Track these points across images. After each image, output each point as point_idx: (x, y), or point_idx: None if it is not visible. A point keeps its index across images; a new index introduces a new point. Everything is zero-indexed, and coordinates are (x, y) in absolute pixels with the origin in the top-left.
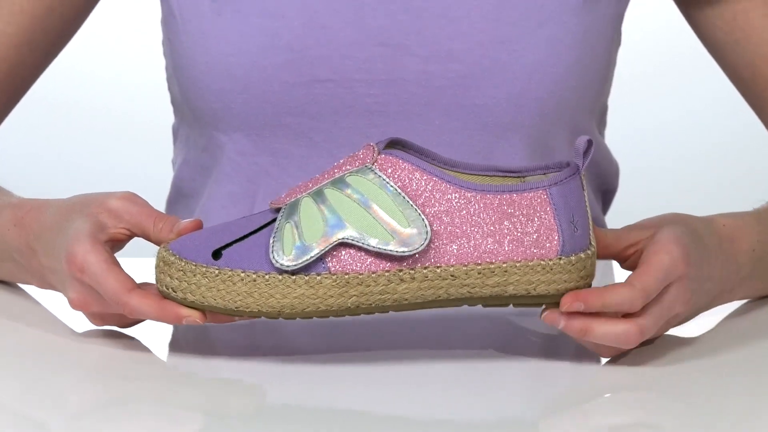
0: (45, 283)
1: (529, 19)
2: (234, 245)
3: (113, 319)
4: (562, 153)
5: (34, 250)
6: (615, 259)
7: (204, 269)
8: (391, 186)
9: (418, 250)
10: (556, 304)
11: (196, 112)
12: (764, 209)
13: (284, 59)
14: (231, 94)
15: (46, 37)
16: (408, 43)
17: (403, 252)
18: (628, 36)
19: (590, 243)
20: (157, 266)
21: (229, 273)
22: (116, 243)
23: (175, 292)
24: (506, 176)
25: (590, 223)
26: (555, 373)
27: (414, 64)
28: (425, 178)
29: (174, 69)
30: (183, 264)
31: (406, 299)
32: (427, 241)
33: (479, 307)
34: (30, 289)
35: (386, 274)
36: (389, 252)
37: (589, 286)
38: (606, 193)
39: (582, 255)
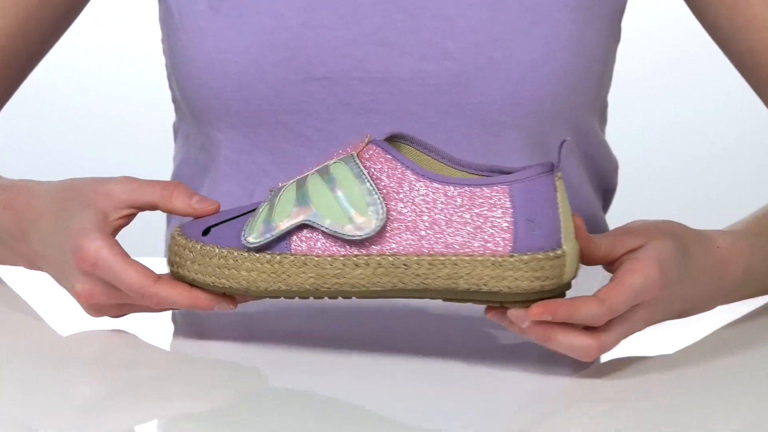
0: (33, 266)
1: (524, 18)
2: (223, 224)
3: (112, 310)
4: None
5: (25, 234)
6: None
7: (192, 244)
8: (365, 174)
9: (368, 235)
10: (518, 304)
11: (193, 110)
12: (759, 229)
13: (281, 57)
14: (228, 92)
15: (40, 28)
16: (403, 42)
17: (355, 236)
18: (629, 33)
19: (558, 246)
20: (167, 244)
21: (208, 248)
22: (119, 228)
23: (174, 266)
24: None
25: (563, 227)
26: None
27: (409, 62)
28: (400, 169)
29: (172, 67)
30: (182, 240)
31: (364, 285)
32: (377, 228)
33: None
34: (22, 285)
35: (341, 258)
36: (342, 235)
37: (554, 288)
38: (606, 191)
39: (539, 255)
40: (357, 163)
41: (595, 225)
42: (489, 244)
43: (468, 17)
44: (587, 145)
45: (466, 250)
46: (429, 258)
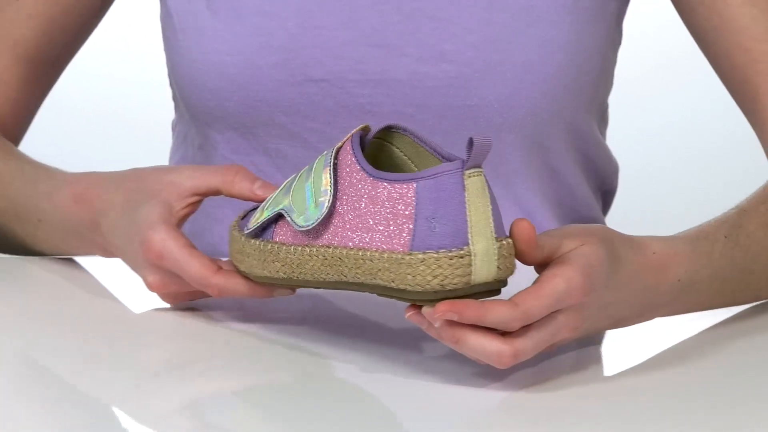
0: (109, 254)
1: (520, 20)
2: (255, 210)
3: (186, 297)
4: (559, 153)
5: (97, 224)
6: None
7: (231, 228)
8: (330, 167)
9: (309, 227)
10: (430, 303)
11: (191, 110)
12: (704, 233)
13: (278, 59)
14: (225, 93)
15: (65, 34)
16: (400, 43)
17: (302, 227)
18: (629, 36)
19: (464, 245)
20: None
21: (234, 234)
22: (186, 217)
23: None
24: None
25: (472, 226)
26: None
27: (406, 64)
28: (353, 162)
29: (171, 67)
30: (232, 223)
31: (321, 277)
32: (317, 220)
33: None
34: (92, 267)
35: (299, 248)
36: (295, 226)
37: (459, 288)
38: (606, 193)
39: (436, 254)
40: (331, 154)
41: None
42: (394, 242)
43: (465, 19)
44: (585, 146)
45: (380, 246)
46: (353, 252)
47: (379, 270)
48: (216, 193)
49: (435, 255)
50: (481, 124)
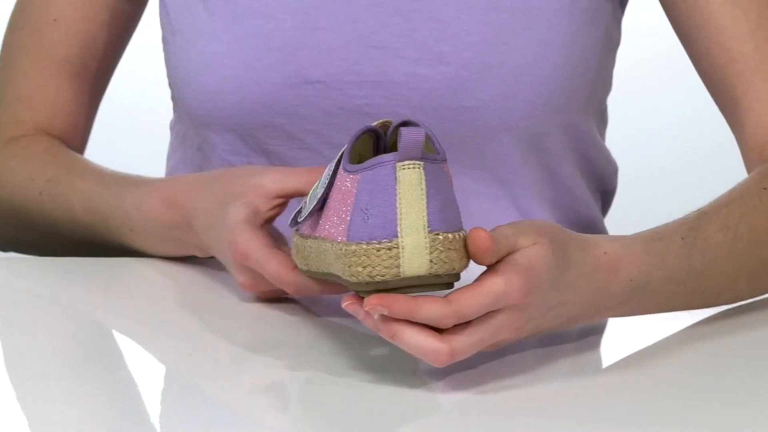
0: (205, 253)
1: (518, 21)
2: None
3: (275, 294)
4: (557, 153)
5: (191, 226)
6: None
7: None
8: (334, 163)
9: (302, 219)
10: (369, 294)
11: (189, 112)
12: (659, 235)
13: (276, 60)
14: (223, 95)
15: (108, 45)
16: (397, 45)
17: (302, 218)
18: (629, 36)
19: (394, 238)
20: None
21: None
22: (273, 219)
23: None
24: None
25: (402, 219)
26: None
27: (403, 66)
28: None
29: (169, 68)
30: None
31: (322, 269)
32: (308, 212)
33: None
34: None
35: (306, 240)
36: (298, 214)
37: (388, 280)
38: (605, 193)
39: (366, 245)
40: (344, 149)
41: (592, 227)
42: (338, 233)
43: (462, 21)
44: (583, 147)
45: (334, 237)
46: (326, 245)
47: (332, 261)
48: (301, 194)
49: (365, 246)
50: (478, 125)
